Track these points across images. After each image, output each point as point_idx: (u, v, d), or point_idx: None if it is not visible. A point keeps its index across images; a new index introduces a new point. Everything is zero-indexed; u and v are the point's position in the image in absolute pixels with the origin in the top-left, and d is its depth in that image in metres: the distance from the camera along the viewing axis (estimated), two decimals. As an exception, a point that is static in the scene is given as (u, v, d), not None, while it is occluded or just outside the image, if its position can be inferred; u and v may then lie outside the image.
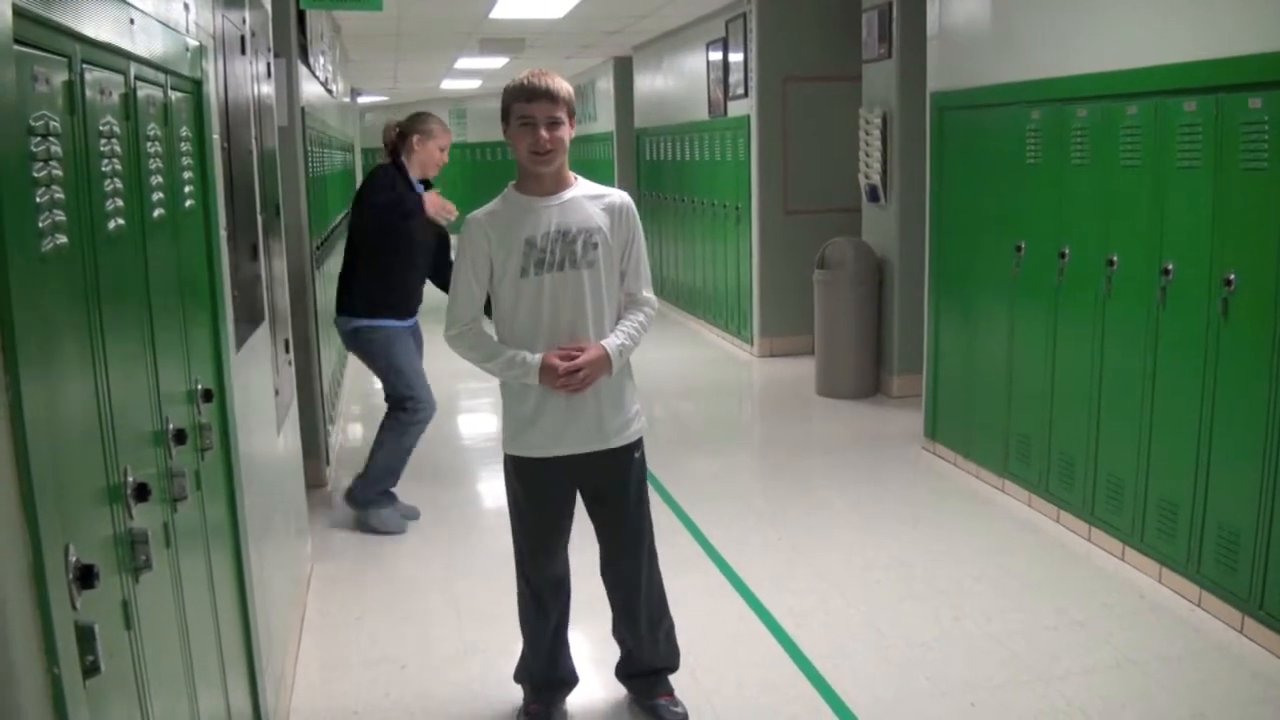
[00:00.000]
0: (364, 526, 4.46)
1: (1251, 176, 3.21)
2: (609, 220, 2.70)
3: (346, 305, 4.39)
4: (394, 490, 4.59)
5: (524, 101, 2.58)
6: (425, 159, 4.37)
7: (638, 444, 2.83)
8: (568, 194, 2.69)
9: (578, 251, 2.65)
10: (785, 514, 4.65)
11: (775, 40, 7.60)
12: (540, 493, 2.81)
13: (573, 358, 2.63)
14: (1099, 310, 3.98)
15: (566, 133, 2.62)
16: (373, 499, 4.46)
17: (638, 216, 2.78)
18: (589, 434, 2.73)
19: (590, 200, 2.71)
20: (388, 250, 4.27)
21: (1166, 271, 3.58)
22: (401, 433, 4.40)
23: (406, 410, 4.38)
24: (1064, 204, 4.16)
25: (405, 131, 4.36)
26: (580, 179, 2.75)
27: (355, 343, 4.41)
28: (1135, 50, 3.74)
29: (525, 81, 2.59)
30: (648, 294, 2.80)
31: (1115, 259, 3.86)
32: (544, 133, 2.58)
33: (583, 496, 2.86)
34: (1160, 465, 3.71)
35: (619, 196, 2.75)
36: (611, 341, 2.69)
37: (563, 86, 2.61)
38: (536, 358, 2.63)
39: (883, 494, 4.92)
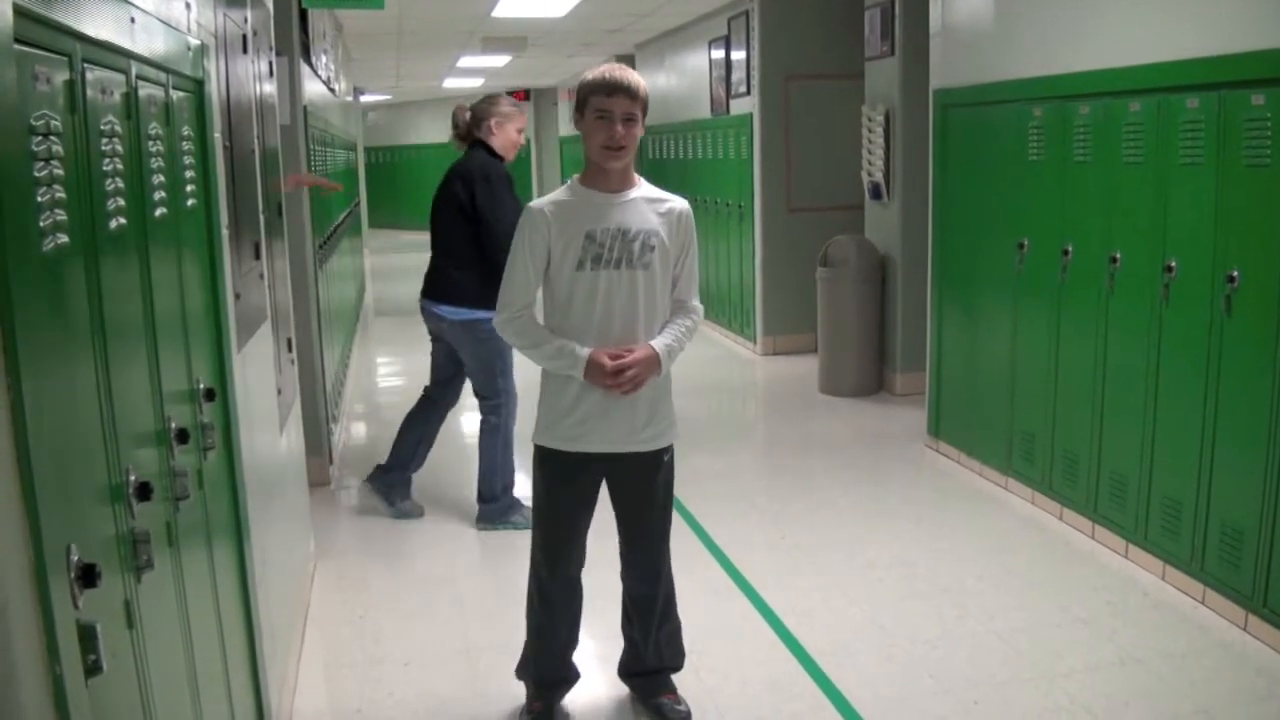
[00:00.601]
0: (489, 523, 4.42)
1: (1254, 173, 3.20)
2: (667, 226, 2.69)
3: (459, 295, 4.21)
4: (411, 478, 4.60)
5: (604, 95, 2.59)
6: (505, 142, 4.28)
7: (668, 448, 2.83)
8: (631, 194, 2.69)
9: (635, 252, 2.65)
10: (788, 512, 4.64)
11: (777, 38, 7.59)
12: (564, 489, 2.79)
13: (621, 357, 2.63)
14: (1102, 307, 3.97)
15: (639, 130, 2.63)
16: (495, 508, 4.40)
17: (694, 225, 2.78)
18: (623, 434, 2.72)
19: (651, 203, 2.71)
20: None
21: (1169, 268, 3.57)
22: (496, 438, 4.35)
23: (497, 411, 4.34)
24: (1067, 201, 4.16)
25: (479, 116, 4.29)
26: (643, 181, 2.75)
27: (469, 333, 4.24)
28: (1137, 47, 3.73)
29: (606, 76, 2.60)
30: (696, 302, 2.81)
31: (1118, 256, 3.85)
32: (619, 128, 2.58)
33: (609, 493, 2.85)
34: (1164, 462, 3.70)
35: (679, 203, 2.75)
36: (660, 341, 2.69)
37: (642, 84, 2.63)
38: (585, 351, 2.63)
39: (886, 492, 4.92)
